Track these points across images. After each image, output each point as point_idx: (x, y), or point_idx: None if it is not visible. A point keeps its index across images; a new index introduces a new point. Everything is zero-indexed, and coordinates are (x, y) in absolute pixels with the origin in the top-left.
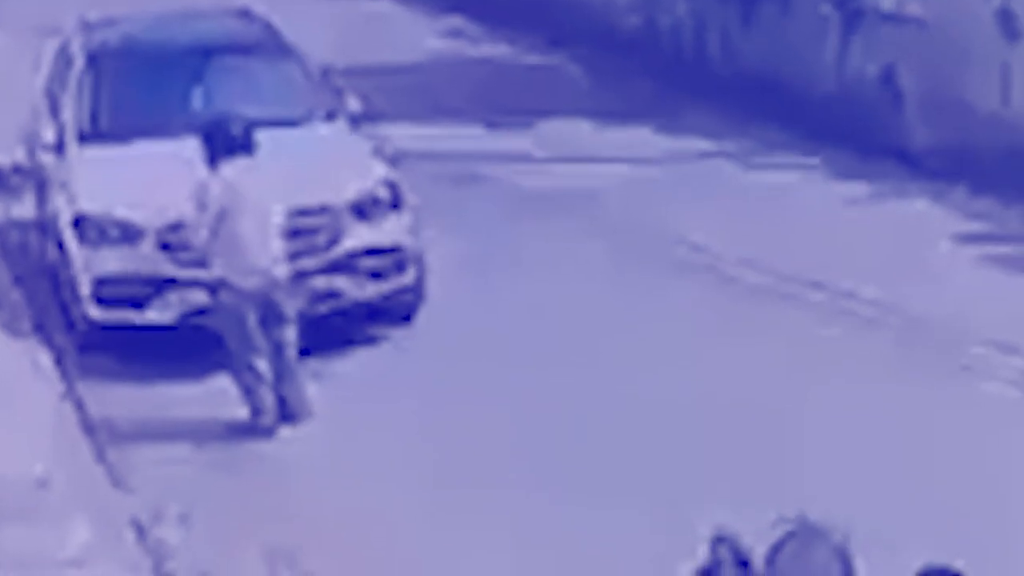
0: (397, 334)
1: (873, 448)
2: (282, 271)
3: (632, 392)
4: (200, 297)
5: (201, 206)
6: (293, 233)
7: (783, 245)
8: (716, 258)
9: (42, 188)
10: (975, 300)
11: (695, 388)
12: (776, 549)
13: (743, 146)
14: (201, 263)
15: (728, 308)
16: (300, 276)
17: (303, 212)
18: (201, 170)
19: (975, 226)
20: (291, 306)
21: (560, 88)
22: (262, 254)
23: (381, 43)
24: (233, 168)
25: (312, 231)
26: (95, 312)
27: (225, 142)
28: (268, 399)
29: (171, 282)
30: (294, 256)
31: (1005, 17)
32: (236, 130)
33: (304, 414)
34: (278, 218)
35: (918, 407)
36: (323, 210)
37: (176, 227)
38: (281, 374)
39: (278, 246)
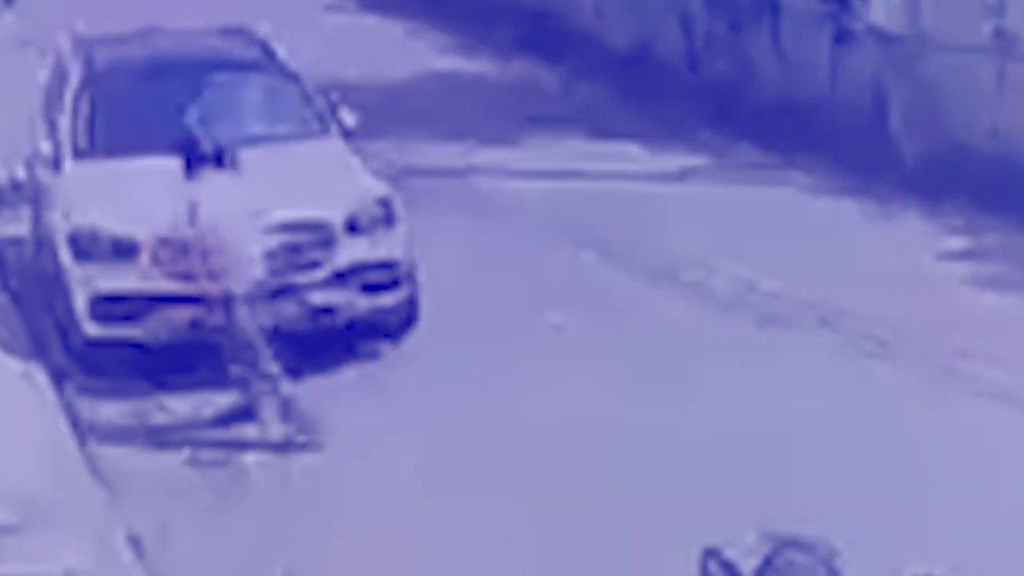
0: (390, 350)
1: (860, 459)
2: (264, 285)
3: (623, 405)
4: (196, 312)
5: (185, 222)
6: (284, 248)
7: (771, 260)
8: (705, 270)
9: (39, 204)
10: (961, 314)
11: (683, 400)
12: (765, 563)
13: (731, 162)
14: (196, 277)
15: (714, 321)
16: (291, 291)
17: (294, 227)
18: (190, 186)
19: (965, 242)
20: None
21: (551, 104)
22: (247, 270)
23: (375, 60)
24: (220, 184)
25: (304, 246)
26: (91, 328)
27: (203, 158)
28: (273, 411)
29: (167, 297)
30: (284, 271)
31: (999, 34)
32: (210, 147)
33: None
34: (266, 233)
35: (905, 418)
36: (315, 225)
37: (171, 242)
38: None
39: (263, 261)
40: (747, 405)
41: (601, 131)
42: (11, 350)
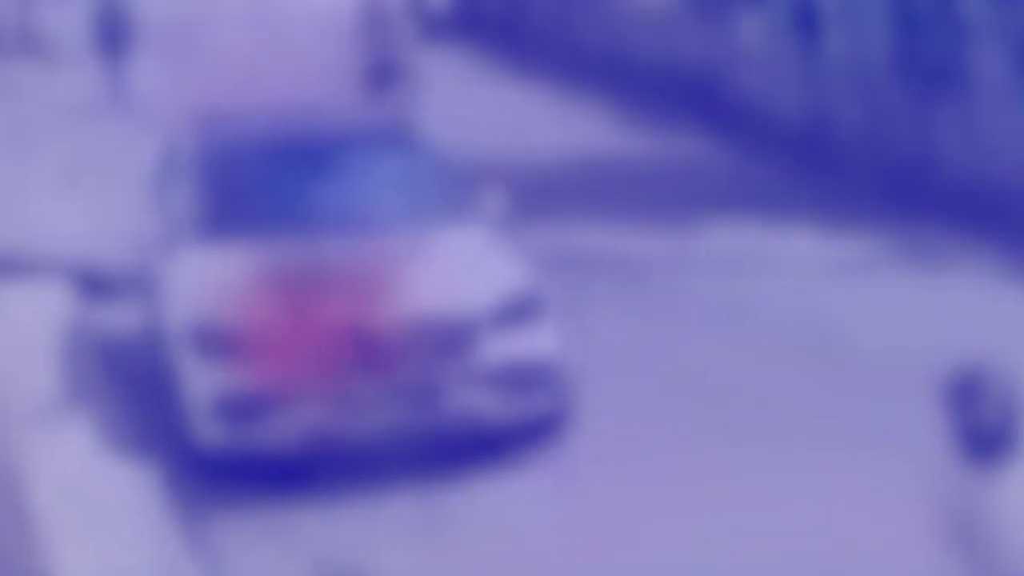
0: (541, 458)
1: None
2: (397, 385)
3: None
4: (324, 414)
5: (313, 315)
6: (421, 345)
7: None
8: (892, 368)
9: (150, 294)
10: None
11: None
12: (957, 386)
13: (916, 249)
14: (325, 376)
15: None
16: (427, 392)
17: (432, 321)
18: (318, 275)
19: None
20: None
21: (719, 185)
22: (378, 368)
23: (520, 135)
24: (351, 274)
25: (443, 343)
26: (208, 431)
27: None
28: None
29: (293, 397)
30: (419, 370)
31: None
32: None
33: None
34: (400, 328)
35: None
36: (455, 319)
37: (298, 338)
38: None
39: (396, 359)
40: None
41: (776, 216)
42: (118, 454)
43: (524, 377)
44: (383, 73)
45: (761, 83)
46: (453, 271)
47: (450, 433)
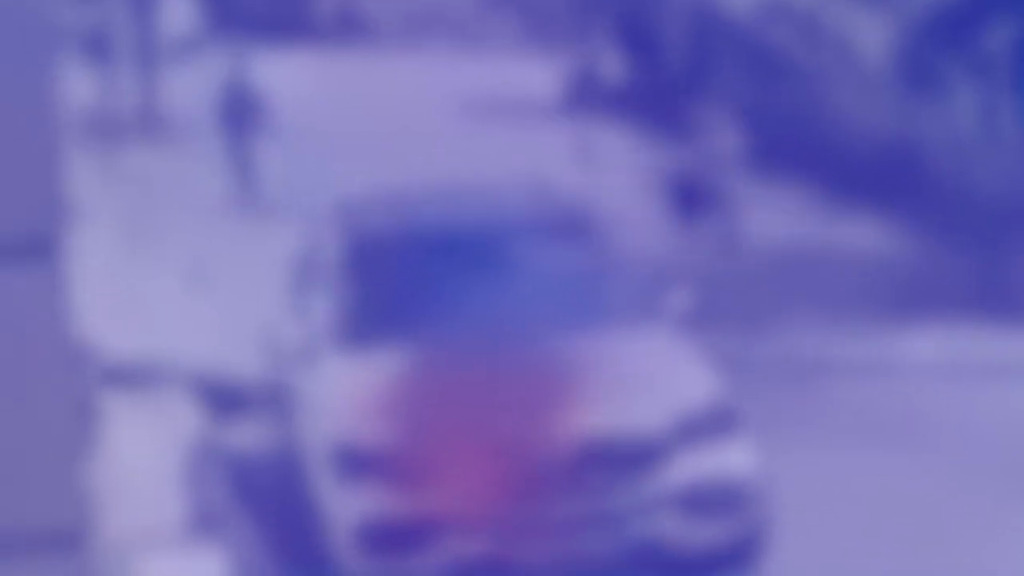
0: None
1: None
2: (570, 510)
3: None
4: (485, 543)
5: (475, 431)
6: (596, 464)
7: None
8: None
9: (286, 406)
10: None
11: None
12: None
13: None
14: (487, 501)
15: None
16: (607, 520)
17: (610, 439)
18: (480, 386)
19: None
20: None
21: (929, 281)
22: (549, 491)
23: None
24: (517, 384)
25: (621, 461)
26: (352, 563)
27: (498, 352)
28: None
29: (451, 525)
30: (595, 493)
31: None
32: (507, 338)
33: None
34: (572, 446)
35: None
36: (636, 436)
37: (458, 458)
38: None
39: (568, 481)
40: None
41: (1000, 316)
42: None
43: (715, 500)
44: (689, 192)
45: (980, 164)
46: (632, 380)
47: (631, 564)
